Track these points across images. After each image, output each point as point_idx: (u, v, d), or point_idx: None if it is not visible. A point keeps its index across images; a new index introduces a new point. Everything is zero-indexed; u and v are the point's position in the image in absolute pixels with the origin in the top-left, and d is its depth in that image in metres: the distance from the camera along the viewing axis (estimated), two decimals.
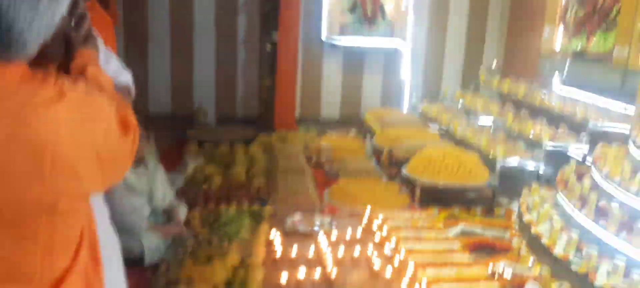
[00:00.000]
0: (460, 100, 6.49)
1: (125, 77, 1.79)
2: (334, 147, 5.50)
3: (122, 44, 6.46)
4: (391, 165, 5.00)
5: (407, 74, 7.44)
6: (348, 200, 4.09)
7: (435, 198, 4.19)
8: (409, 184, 4.38)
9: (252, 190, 4.34)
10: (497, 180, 4.40)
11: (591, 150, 4.14)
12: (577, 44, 5.24)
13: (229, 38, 7.14)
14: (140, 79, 6.77)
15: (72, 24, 1.39)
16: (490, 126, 5.52)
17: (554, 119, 4.99)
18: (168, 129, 6.17)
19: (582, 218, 3.12)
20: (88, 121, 1.07)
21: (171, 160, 4.97)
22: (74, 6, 1.37)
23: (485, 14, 7.49)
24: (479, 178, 4.28)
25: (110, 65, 1.74)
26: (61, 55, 1.39)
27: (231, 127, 6.50)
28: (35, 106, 0.99)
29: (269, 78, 6.77)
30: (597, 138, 4.33)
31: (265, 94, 6.84)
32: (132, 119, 1.21)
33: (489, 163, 4.51)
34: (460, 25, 7.49)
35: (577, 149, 4.46)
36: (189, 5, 7.01)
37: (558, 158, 4.39)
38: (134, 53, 6.75)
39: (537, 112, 5.33)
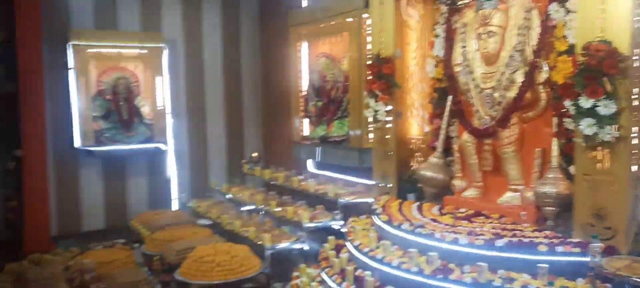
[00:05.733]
0: (228, 193, 6.66)
1: None
2: (100, 262, 5.08)
3: None
4: (164, 271, 4.83)
5: (173, 172, 7.39)
6: None
7: None
8: None
9: None
10: (269, 266, 4.60)
11: (345, 224, 4.62)
12: (321, 131, 5.91)
13: None
14: None
15: None
16: (257, 214, 5.78)
17: (312, 200, 5.47)
18: None
19: None
20: None
21: None
22: None
23: (241, 111, 7.99)
24: (252, 268, 4.40)
25: None
26: None
27: None
28: None
29: (15, 198, 6.04)
30: (348, 212, 4.87)
31: (12, 216, 6.06)
32: None
33: (260, 251, 4.70)
34: (218, 123, 7.83)
35: (334, 225, 4.94)
36: None
37: (320, 236, 4.80)
38: None
39: (297, 195, 5.78)
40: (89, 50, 6.77)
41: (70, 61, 6.66)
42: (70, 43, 6.62)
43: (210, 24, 7.70)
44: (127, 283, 4.51)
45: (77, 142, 6.74)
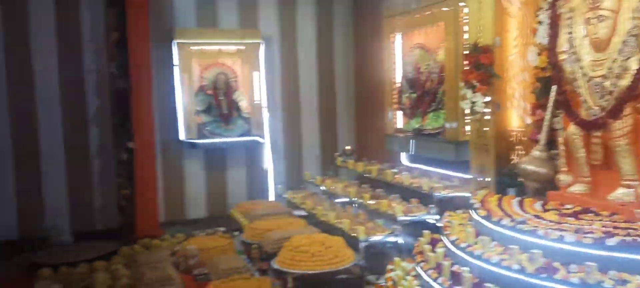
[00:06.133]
0: (322, 185, 6.77)
1: None
2: (202, 248, 5.37)
3: None
4: (262, 259, 5.01)
5: (270, 164, 7.63)
6: None
7: (309, 287, 4.26)
8: (281, 277, 4.41)
9: None
10: (363, 259, 4.62)
11: (441, 218, 4.54)
12: (415, 123, 5.82)
13: (80, 150, 6.81)
14: None
15: None
16: (351, 206, 5.81)
17: (406, 193, 5.42)
18: (14, 256, 5.62)
19: (439, 286, 3.37)
20: None
21: None
22: None
23: (334, 104, 8.08)
24: (346, 260, 4.44)
25: None
26: None
27: (89, 244, 6.06)
28: None
29: (127, 186, 6.52)
30: (444, 206, 4.77)
31: (125, 203, 6.55)
32: None
33: (354, 243, 4.73)
34: (312, 116, 7.97)
35: (429, 219, 4.86)
36: (32, 119, 6.61)
37: (414, 230, 4.75)
38: None
39: (391, 188, 5.75)
40: (192, 48, 7.16)
41: (175, 58, 7.08)
42: (175, 41, 7.03)
43: (304, 19, 7.84)
44: (227, 270, 4.73)
45: (182, 135, 7.16)
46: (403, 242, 4.80)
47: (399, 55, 6.24)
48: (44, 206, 6.65)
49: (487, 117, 4.15)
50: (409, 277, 3.84)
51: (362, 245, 4.65)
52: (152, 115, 6.59)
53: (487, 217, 3.55)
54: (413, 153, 6.05)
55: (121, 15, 6.37)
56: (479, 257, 3.25)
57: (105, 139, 6.90)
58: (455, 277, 3.32)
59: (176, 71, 7.10)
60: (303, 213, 6.25)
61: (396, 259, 4.27)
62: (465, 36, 4.83)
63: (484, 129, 4.17)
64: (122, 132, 6.56)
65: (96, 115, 6.89)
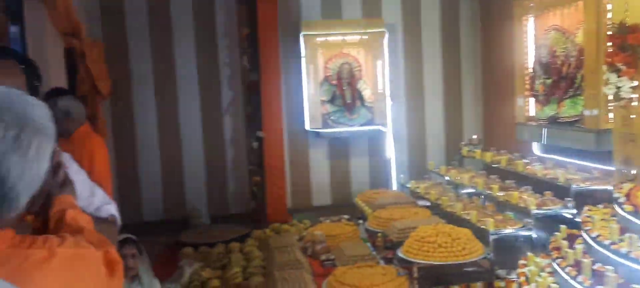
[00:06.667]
0: (446, 175, 6.62)
1: (110, 209, 1.87)
2: (328, 234, 5.53)
3: (113, 154, 6.58)
4: (386, 247, 5.04)
5: (392, 154, 7.62)
6: None
7: (434, 278, 4.22)
8: (406, 266, 4.40)
9: None
10: (492, 252, 4.46)
11: (579, 212, 4.24)
12: (550, 111, 5.48)
13: (216, 139, 7.33)
14: (133, 189, 6.95)
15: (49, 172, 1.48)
16: (478, 198, 5.63)
17: (539, 185, 5.12)
18: (161, 235, 6.19)
19: (579, 284, 3.16)
20: (79, 275, 1.12)
21: (167, 267, 4.96)
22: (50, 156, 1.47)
23: (459, 92, 7.83)
24: (474, 252, 4.32)
25: (95, 198, 1.81)
26: (38, 204, 1.47)
27: (225, 226, 6.52)
28: (28, 269, 1.03)
29: (258, 173, 6.89)
30: (582, 200, 4.44)
31: (256, 189, 6.93)
32: (116, 256, 1.28)
33: (482, 235, 4.58)
34: (436, 104, 7.81)
35: (565, 213, 4.56)
36: (174, 112, 7.24)
37: (548, 224, 4.48)
38: (124, 162, 6.88)
39: (521, 179, 5.47)
40: (317, 39, 7.35)
41: (302, 50, 7.32)
42: (302, 34, 7.26)
43: (428, 5, 7.69)
44: (353, 256, 4.83)
45: (307, 125, 7.40)
46: (536, 236, 4.55)
47: (531, 39, 5.89)
48: (185, 191, 7.26)
49: (635, 103, 3.78)
50: (543, 274, 3.65)
51: (491, 238, 4.48)
52: (280, 106, 6.90)
53: (635, 213, 3.26)
54: (546, 142, 5.70)
55: (252, 11, 6.72)
56: (625, 256, 3.00)
57: (237, 129, 7.35)
58: (597, 275, 3.09)
59: (303, 62, 7.34)
60: (427, 203, 6.16)
61: (529, 254, 4.07)
62: (609, 15, 4.43)
63: (631, 116, 3.80)
64: (253, 122, 6.94)
65: (230, 107, 7.35)
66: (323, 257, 5.05)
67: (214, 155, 7.33)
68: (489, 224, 4.54)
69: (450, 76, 7.81)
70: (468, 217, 4.96)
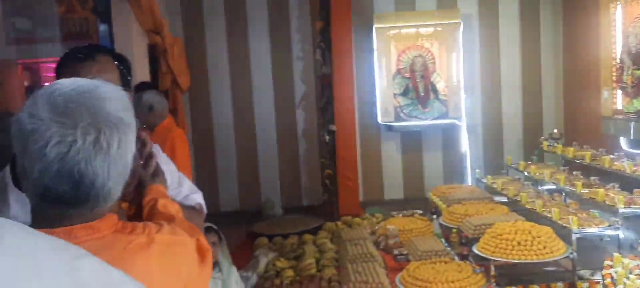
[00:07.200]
0: (525, 171, 6.38)
1: (197, 198, 1.94)
2: (401, 229, 5.48)
3: (191, 146, 6.85)
4: (461, 244, 4.93)
5: (467, 148, 7.44)
6: (420, 284, 4.04)
7: (512, 277, 4.09)
8: (482, 264, 4.29)
9: (324, 281, 4.38)
10: (575, 252, 4.26)
11: None
12: (639, 104, 5.15)
13: (290, 132, 7.45)
14: (211, 180, 7.21)
15: (142, 163, 1.57)
16: (559, 195, 5.39)
17: (627, 182, 4.83)
18: (237, 225, 6.38)
19: None
20: (175, 262, 1.17)
21: (242, 256, 5.11)
22: (142, 146, 1.55)
23: (539, 84, 7.52)
24: (556, 252, 4.14)
25: (183, 188, 1.90)
26: (133, 193, 1.55)
27: (297, 218, 6.63)
28: (130, 254, 1.09)
29: (330, 166, 6.94)
30: None
31: (328, 182, 6.99)
32: (206, 244, 1.33)
33: (563, 234, 4.38)
34: (513, 97, 7.53)
35: None
36: (249, 105, 7.43)
37: (637, 224, 4.23)
38: (201, 154, 7.16)
39: (608, 176, 5.17)
40: (390, 32, 7.29)
41: (374, 43, 7.28)
42: (374, 26, 7.22)
43: None
44: (427, 252, 4.76)
45: (379, 118, 7.36)
46: (623, 236, 4.30)
47: (619, 28, 5.56)
48: (259, 182, 7.45)
49: None
50: (631, 276, 3.46)
51: (574, 236, 4.28)
52: (352, 99, 6.91)
53: None
54: (634, 137, 5.36)
55: (325, 5, 6.76)
56: None
57: (310, 122, 7.44)
58: None
59: (375, 55, 7.31)
60: (504, 199, 5.97)
61: (615, 255, 3.86)
62: None
63: None
64: (325, 116, 6.99)
65: (302, 100, 7.45)
66: (396, 252, 5.01)
67: (287, 148, 7.46)
68: (572, 222, 4.34)
69: (529, 68, 7.50)
70: (549, 215, 4.75)
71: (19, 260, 0.72)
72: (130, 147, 1.10)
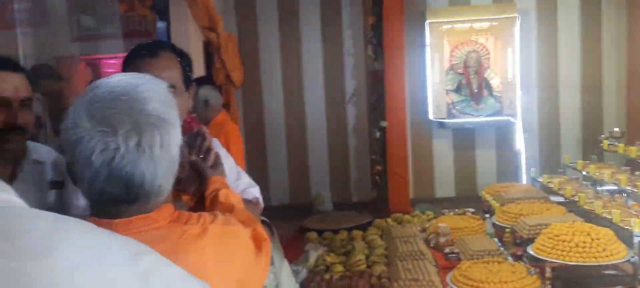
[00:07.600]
0: (584, 170, 6.15)
1: (254, 191, 1.98)
2: (452, 227, 5.40)
3: (244, 140, 6.97)
4: (515, 244, 4.81)
5: (522, 146, 7.25)
6: (473, 284, 3.97)
7: (569, 280, 3.96)
8: (537, 265, 4.18)
9: (374, 277, 4.37)
10: (637, 255, 4.08)
11: None
12: None
13: (340, 128, 7.47)
14: (262, 174, 7.32)
15: (201, 157, 1.62)
16: (620, 196, 5.17)
17: None
18: (287, 219, 6.46)
19: None
20: (229, 251, 1.19)
21: (293, 250, 5.16)
22: (201, 140, 1.59)
23: (599, 80, 7.22)
24: (616, 255, 3.98)
25: (240, 182, 1.94)
26: (196, 185, 1.60)
27: (347, 214, 6.64)
28: (184, 244, 1.11)
29: (380, 162, 6.91)
30: None
31: (378, 178, 6.97)
32: (263, 233, 1.35)
33: (624, 237, 4.21)
34: (572, 94, 7.27)
35: None
36: (300, 100, 7.49)
37: None
38: (253, 148, 7.28)
39: None
40: (443, 27, 7.18)
41: (427, 38, 7.18)
42: (427, 21, 7.13)
43: None
44: (479, 251, 4.68)
45: (431, 115, 7.27)
46: None
47: None
48: (309, 177, 7.51)
49: None
50: None
51: (636, 239, 4.10)
52: (404, 95, 6.84)
53: None
54: None
55: (378, 0, 6.72)
56: None
57: (360, 118, 7.43)
58: None
59: (427, 51, 7.21)
60: (561, 199, 5.78)
61: None
62: None
63: None
64: (376, 112, 6.97)
65: (353, 96, 7.45)
66: (447, 250, 4.94)
67: (338, 143, 7.48)
68: (634, 225, 4.16)
69: (589, 63, 7.22)
70: (609, 216, 4.57)
71: (84, 256, 0.75)
72: (174, 141, 1.12)
